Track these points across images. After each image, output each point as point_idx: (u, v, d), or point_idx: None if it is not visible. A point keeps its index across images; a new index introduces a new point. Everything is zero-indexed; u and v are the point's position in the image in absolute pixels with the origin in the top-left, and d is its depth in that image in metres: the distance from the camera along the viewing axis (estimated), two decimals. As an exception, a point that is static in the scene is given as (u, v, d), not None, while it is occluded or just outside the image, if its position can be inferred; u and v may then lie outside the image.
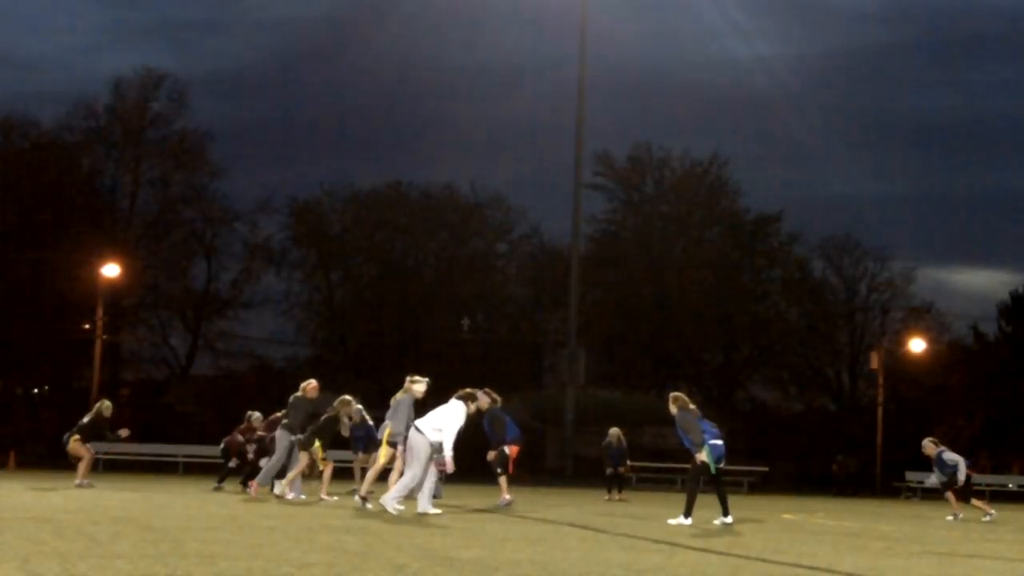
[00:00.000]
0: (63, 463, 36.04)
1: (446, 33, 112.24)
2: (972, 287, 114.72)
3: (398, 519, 19.30)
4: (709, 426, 21.60)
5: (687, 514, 21.24)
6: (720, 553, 14.54)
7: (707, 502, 22.58)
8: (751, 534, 19.03)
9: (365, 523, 17.90)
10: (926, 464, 63.73)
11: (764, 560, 13.69)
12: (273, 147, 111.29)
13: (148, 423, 63.18)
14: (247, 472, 30.38)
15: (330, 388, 63.56)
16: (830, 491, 59.83)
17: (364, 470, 33.04)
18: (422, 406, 22.84)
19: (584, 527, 18.85)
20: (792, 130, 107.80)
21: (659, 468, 55.80)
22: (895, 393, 73.60)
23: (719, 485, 22.03)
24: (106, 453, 50.64)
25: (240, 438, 31.81)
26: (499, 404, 24.92)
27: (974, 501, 30.62)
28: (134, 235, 70.89)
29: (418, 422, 20.31)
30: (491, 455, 25.29)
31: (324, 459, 25.86)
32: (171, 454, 52.11)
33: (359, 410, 32.84)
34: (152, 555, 11.51)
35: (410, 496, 21.56)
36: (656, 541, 16.28)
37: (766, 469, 60.88)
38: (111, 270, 59.73)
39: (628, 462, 37.89)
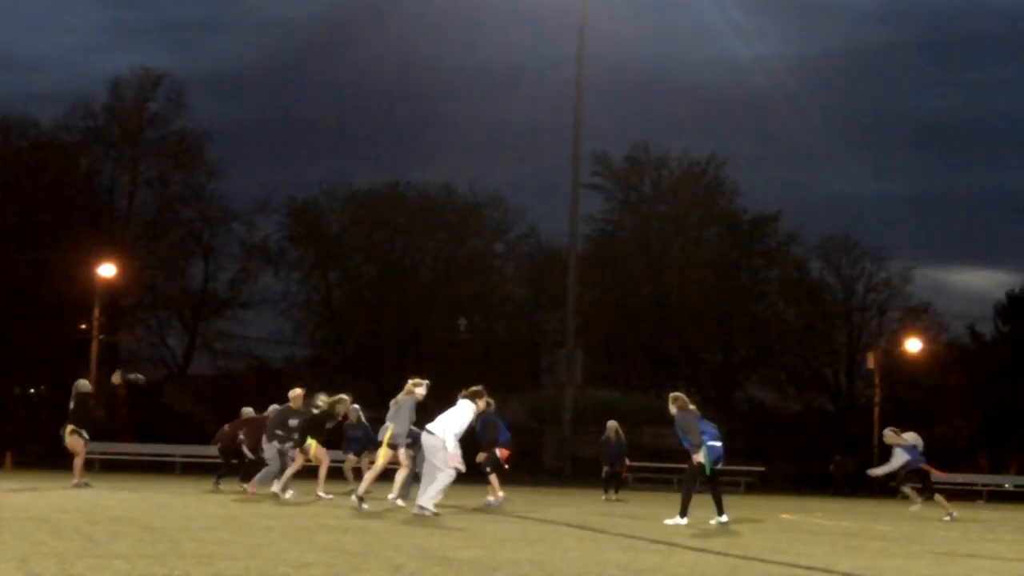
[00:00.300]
0: (60, 463, 36.07)
1: (445, 33, 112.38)
2: (970, 287, 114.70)
3: (395, 519, 19.30)
4: (709, 427, 21.57)
5: (683, 514, 21.24)
6: (718, 553, 14.55)
7: (704, 502, 22.60)
8: (749, 534, 19.04)
9: (363, 523, 17.91)
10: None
11: (762, 560, 13.70)
12: (272, 147, 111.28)
13: (146, 423, 63.13)
14: (243, 471, 30.42)
15: (329, 388, 63.78)
16: (828, 491, 59.83)
17: (357, 470, 33.10)
18: (421, 408, 22.84)
19: (582, 527, 18.86)
20: (791, 130, 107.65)
21: (658, 468, 55.78)
22: (893, 393, 73.60)
23: (715, 485, 22.05)
24: (103, 453, 50.71)
25: (227, 429, 31.83)
26: (493, 407, 24.89)
27: (937, 497, 30.12)
28: (132, 235, 70.82)
29: (430, 425, 20.24)
30: (481, 456, 25.35)
31: (316, 456, 25.91)
32: (169, 454, 52.10)
33: (356, 410, 32.84)
34: (150, 555, 11.52)
35: (403, 495, 21.58)
36: (654, 541, 16.28)
37: (763, 469, 60.88)
38: (108, 270, 59.69)
39: (627, 461, 37.49)
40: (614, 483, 36.13)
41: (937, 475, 30.53)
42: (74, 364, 63.83)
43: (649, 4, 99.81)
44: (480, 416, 24.31)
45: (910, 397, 75.52)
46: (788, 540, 17.69)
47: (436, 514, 19.80)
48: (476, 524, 18.62)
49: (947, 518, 28.47)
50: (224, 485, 30.55)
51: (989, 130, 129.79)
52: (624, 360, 79.37)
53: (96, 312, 60.16)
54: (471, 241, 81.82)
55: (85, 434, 29.69)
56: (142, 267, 70.15)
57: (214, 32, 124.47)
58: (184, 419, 66.27)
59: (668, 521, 21.18)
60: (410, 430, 26.98)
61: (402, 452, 22.69)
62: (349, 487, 32.36)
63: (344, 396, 26.82)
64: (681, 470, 47.92)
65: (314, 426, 26.03)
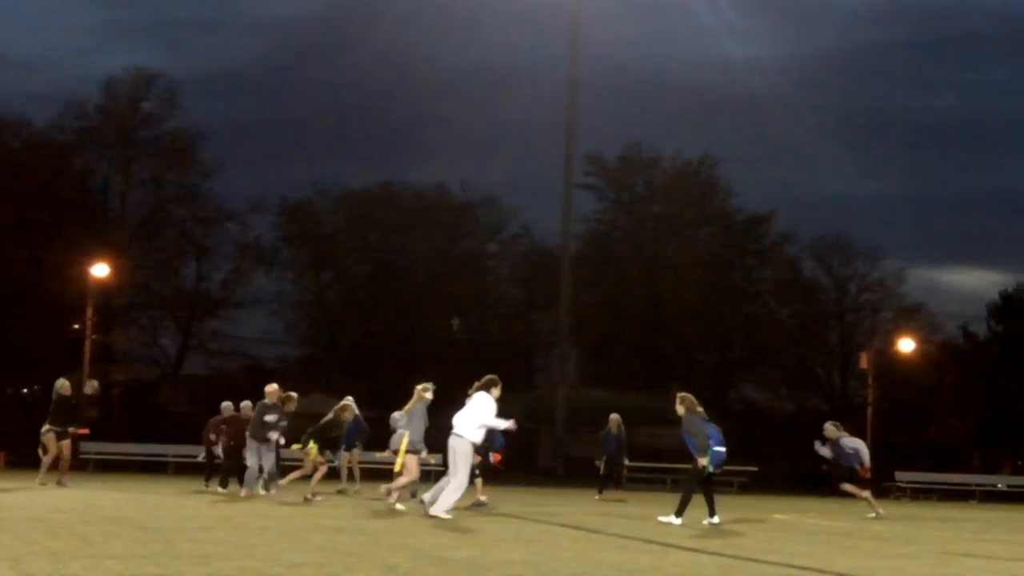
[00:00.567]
0: (53, 464, 35.97)
1: (439, 33, 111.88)
2: (963, 287, 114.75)
3: (391, 519, 19.31)
4: (715, 431, 21.44)
5: (679, 514, 21.24)
6: (713, 553, 14.56)
7: (698, 502, 22.60)
8: (744, 534, 19.07)
9: (358, 523, 17.91)
10: (914, 463, 63.80)
11: (756, 560, 13.72)
12: (266, 146, 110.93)
13: (140, 423, 63.08)
14: (221, 473, 30.42)
15: (323, 388, 63.81)
16: (822, 491, 59.84)
17: (350, 468, 33.15)
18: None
19: (576, 527, 18.88)
20: (784, 130, 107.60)
21: (653, 468, 55.77)
22: (886, 393, 73.61)
23: (708, 486, 22.04)
24: (97, 453, 50.70)
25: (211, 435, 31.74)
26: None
27: (867, 493, 29.93)
28: (125, 235, 70.64)
29: (457, 427, 20.15)
30: (475, 459, 25.01)
31: (322, 461, 25.94)
32: (162, 454, 52.07)
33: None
34: (144, 555, 11.52)
35: (396, 495, 21.56)
36: (648, 541, 16.30)
37: (756, 469, 60.89)
38: (102, 270, 59.63)
39: (626, 460, 36.70)
40: (613, 481, 35.81)
41: (864, 475, 30.19)
42: (68, 364, 63.79)
43: (643, 4, 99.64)
44: None
45: (904, 397, 75.58)
46: (782, 540, 17.71)
47: (449, 518, 19.77)
48: (470, 524, 18.63)
49: (872, 515, 28.43)
50: (212, 485, 30.50)
51: (983, 130, 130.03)
52: (618, 360, 79.30)
53: (89, 312, 60.10)
54: (465, 241, 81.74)
55: (71, 431, 29.64)
56: (135, 267, 70.04)
57: (208, 32, 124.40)
58: (178, 419, 66.23)
59: (663, 518, 21.19)
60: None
61: (416, 459, 22.79)
62: (341, 485, 32.45)
63: (348, 403, 26.75)
64: (675, 470, 48.08)
65: (319, 433, 26.01)
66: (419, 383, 23.49)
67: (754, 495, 49.92)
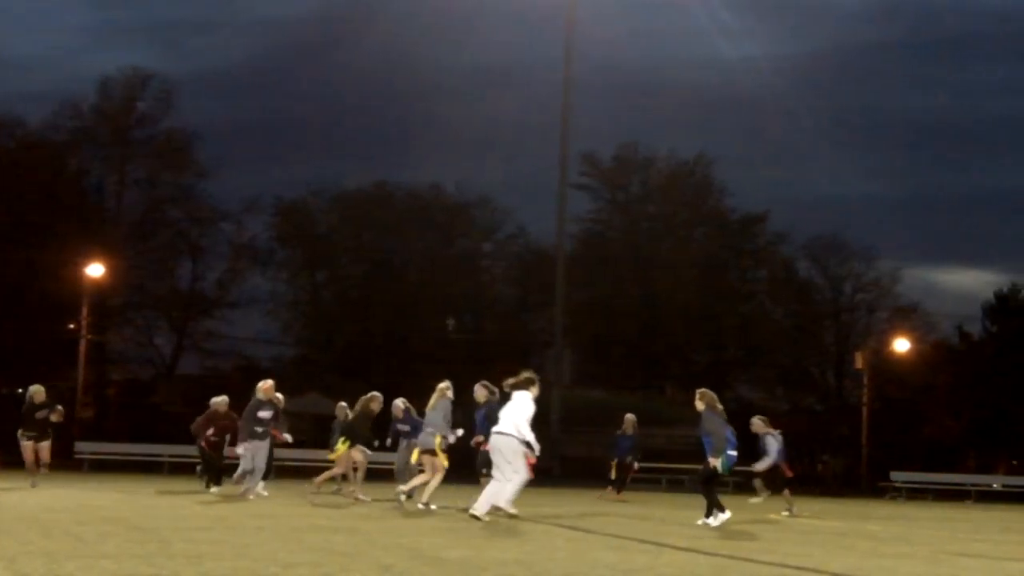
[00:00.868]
0: (48, 464, 35.88)
1: (434, 33, 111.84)
2: (958, 287, 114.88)
3: (386, 519, 19.30)
4: (731, 434, 21.01)
5: (721, 509, 21.04)
6: (707, 553, 14.56)
7: (695, 503, 22.59)
8: (738, 534, 19.06)
9: (353, 523, 17.90)
10: (909, 463, 63.85)
11: (751, 560, 13.72)
12: (261, 146, 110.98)
13: (134, 423, 63.01)
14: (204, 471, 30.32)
15: (317, 388, 63.78)
16: (816, 491, 59.87)
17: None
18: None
19: (571, 527, 18.87)
20: (779, 130, 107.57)
21: (649, 468, 55.70)
22: (881, 393, 73.67)
23: (711, 488, 21.71)
24: (93, 453, 50.66)
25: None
26: (496, 398, 24.59)
27: (785, 492, 29.71)
28: (120, 235, 70.66)
29: (501, 426, 20.02)
30: (479, 443, 24.68)
31: (360, 458, 25.74)
32: (157, 454, 52.00)
33: (343, 407, 32.81)
34: (139, 555, 11.51)
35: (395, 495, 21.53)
36: (643, 541, 16.29)
37: (750, 469, 60.84)
38: (97, 270, 59.67)
39: (636, 463, 35.69)
40: (620, 481, 35.37)
41: (787, 474, 29.99)
42: (62, 364, 63.83)
43: (637, 4, 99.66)
44: (485, 407, 24.18)
45: (899, 397, 75.64)
46: (777, 540, 17.71)
47: (515, 515, 19.82)
48: (465, 524, 18.62)
49: (786, 513, 28.20)
50: (212, 485, 30.34)
51: (977, 130, 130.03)
52: (613, 360, 79.36)
53: (84, 312, 60.15)
54: (460, 241, 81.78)
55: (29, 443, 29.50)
56: (130, 267, 70.05)
57: (203, 32, 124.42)
58: (172, 419, 66.20)
59: (712, 521, 20.82)
60: (397, 429, 26.97)
61: (442, 458, 22.88)
62: (335, 486, 32.36)
63: (376, 393, 26.19)
64: (671, 470, 48.00)
65: (349, 429, 25.68)
66: (426, 383, 23.46)
67: (748, 495, 49.89)
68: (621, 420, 36.19)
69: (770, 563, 13.27)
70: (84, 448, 51.04)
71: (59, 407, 29.66)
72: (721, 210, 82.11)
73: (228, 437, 29.90)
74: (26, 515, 17.26)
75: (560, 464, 57.72)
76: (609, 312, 76.98)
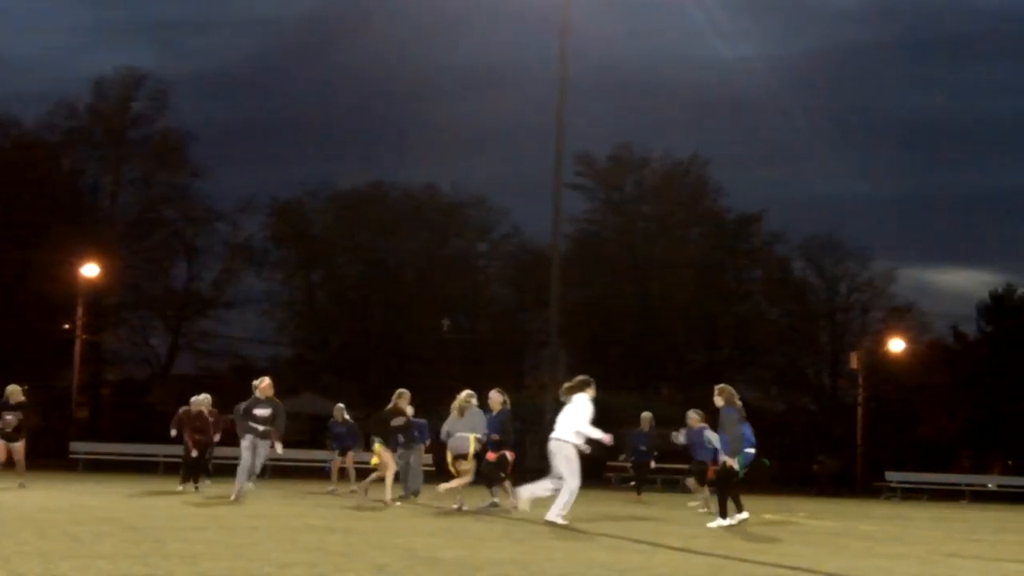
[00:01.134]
0: (49, 463, 35.94)
1: (429, 33, 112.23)
2: (953, 287, 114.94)
3: (381, 519, 19.30)
4: (749, 432, 20.53)
5: (740, 509, 20.89)
6: (702, 553, 14.57)
7: (691, 502, 22.57)
8: (733, 534, 19.07)
9: (348, 523, 17.91)
10: (904, 463, 63.79)
11: (746, 560, 13.73)
12: (255, 146, 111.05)
13: (129, 423, 62.95)
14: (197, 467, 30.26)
15: (313, 388, 63.77)
16: (811, 491, 59.91)
17: (343, 469, 33.06)
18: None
19: (566, 527, 18.87)
20: (774, 130, 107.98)
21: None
22: (876, 393, 73.71)
23: (726, 488, 21.23)
24: (88, 453, 50.60)
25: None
26: (508, 406, 24.47)
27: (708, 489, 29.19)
28: (115, 235, 70.66)
29: (557, 431, 19.95)
30: (491, 456, 24.26)
31: (381, 459, 25.02)
32: (152, 454, 51.94)
33: (341, 408, 32.81)
34: (134, 555, 11.51)
35: (391, 495, 21.52)
36: (637, 541, 16.31)
37: (745, 469, 60.93)
38: (92, 270, 59.68)
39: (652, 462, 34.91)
40: (637, 481, 35.01)
41: (710, 473, 29.51)
42: (56, 364, 63.82)
43: (633, 4, 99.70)
44: (500, 413, 24.14)
45: (894, 397, 75.71)
46: (772, 540, 17.72)
47: (566, 524, 19.60)
48: (460, 524, 18.63)
49: (702, 510, 27.33)
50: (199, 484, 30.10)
51: (972, 130, 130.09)
52: (608, 360, 79.31)
53: (79, 312, 60.14)
54: (455, 241, 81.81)
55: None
56: (125, 267, 70.04)
57: (198, 32, 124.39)
58: (167, 419, 66.15)
59: (725, 522, 20.61)
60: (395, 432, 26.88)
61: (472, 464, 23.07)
62: (330, 486, 32.38)
63: (404, 390, 25.69)
64: (666, 470, 47.95)
65: (379, 427, 25.21)
66: (421, 383, 23.53)
67: (744, 495, 49.90)
68: (619, 420, 36.05)
69: (765, 563, 13.28)
70: (79, 448, 50.95)
71: (19, 414, 29.12)
72: (716, 210, 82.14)
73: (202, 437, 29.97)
74: (22, 515, 17.26)
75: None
76: (604, 312, 76.97)
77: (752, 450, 20.75)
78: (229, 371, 73.25)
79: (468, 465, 23.46)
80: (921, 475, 59.29)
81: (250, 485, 25.24)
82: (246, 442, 24.88)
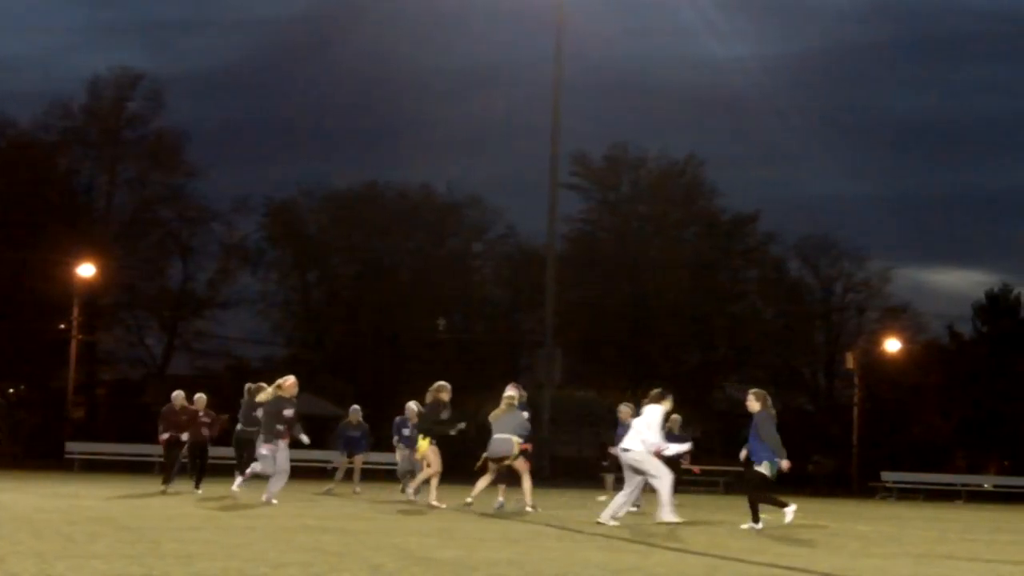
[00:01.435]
0: (45, 463, 35.94)
1: (424, 33, 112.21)
2: (949, 287, 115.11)
3: (377, 519, 19.29)
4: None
5: (782, 504, 20.78)
6: (697, 553, 14.57)
7: (688, 503, 22.56)
8: (728, 534, 19.06)
9: (343, 523, 17.90)
10: (900, 463, 63.78)
11: (741, 560, 13.72)
12: (250, 146, 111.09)
13: (125, 423, 62.93)
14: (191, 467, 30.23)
15: (308, 388, 63.69)
16: (806, 491, 59.92)
17: (349, 470, 33.04)
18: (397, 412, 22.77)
19: (561, 527, 18.86)
20: (769, 130, 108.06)
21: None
22: (871, 393, 73.71)
23: (759, 494, 20.87)
24: (83, 453, 50.60)
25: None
26: (525, 398, 24.24)
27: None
28: (111, 235, 70.64)
29: (624, 443, 20.18)
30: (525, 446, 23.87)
31: (427, 458, 24.56)
32: (147, 454, 51.90)
33: (356, 410, 32.68)
34: (129, 555, 11.50)
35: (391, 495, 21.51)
36: (633, 541, 16.30)
37: (742, 469, 60.94)
38: (87, 270, 59.68)
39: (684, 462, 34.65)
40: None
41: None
42: (52, 364, 63.83)
43: (627, 4, 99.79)
44: (521, 407, 24.03)
45: (889, 397, 75.70)
46: (767, 540, 17.71)
47: (679, 522, 20.07)
48: (455, 524, 18.62)
49: (634, 509, 26.98)
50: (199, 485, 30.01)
51: (967, 130, 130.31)
52: (603, 360, 79.34)
53: (75, 312, 60.13)
54: (450, 241, 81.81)
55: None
56: (121, 267, 70.04)
57: (193, 32, 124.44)
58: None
59: (756, 526, 20.35)
60: (402, 432, 26.81)
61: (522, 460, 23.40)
62: (328, 486, 32.34)
63: (444, 383, 25.14)
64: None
65: (426, 424, 24.81)
66: (416, 383, 23.43)
67: (739, 495, 49.93)
68: (613, 420, 35.89)
69: (760, 563, 13.28)
70: (74, 448, 50.94)
71: None
72: (712, 210, 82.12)
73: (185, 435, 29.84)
74: (17, 515, 17.25)
75: (550, 464, 57.77)
76: (599, 312, 76.97)
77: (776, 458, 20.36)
78: (225, 371, 73.21)
79: (522, 464, 23.51)
80: (917, 475, 59.34)
81: (239, 487, 25.23)
82: (273, 446, 23.87)
